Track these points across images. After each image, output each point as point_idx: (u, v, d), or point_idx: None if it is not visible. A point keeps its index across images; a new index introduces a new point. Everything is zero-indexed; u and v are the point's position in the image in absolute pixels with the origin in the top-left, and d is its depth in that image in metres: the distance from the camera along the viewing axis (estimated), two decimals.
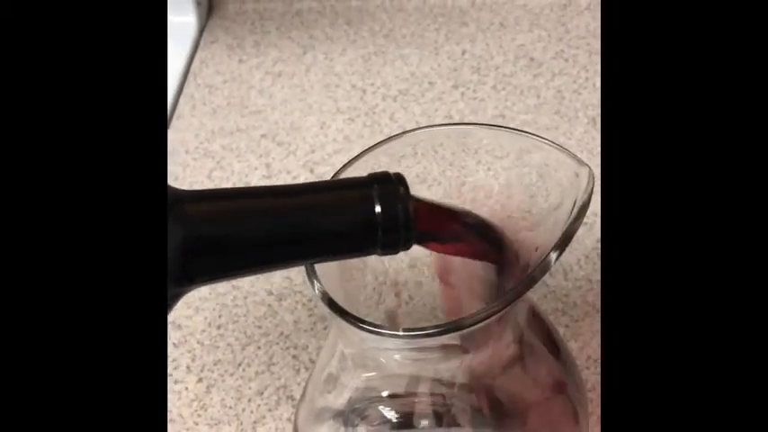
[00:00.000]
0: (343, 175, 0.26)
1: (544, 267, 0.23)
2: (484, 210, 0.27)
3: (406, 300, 0.35)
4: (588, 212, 0.47)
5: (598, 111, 0.53)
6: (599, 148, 0.50)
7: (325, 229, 0.23)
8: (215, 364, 0.44)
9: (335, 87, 0.57)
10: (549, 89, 0.54)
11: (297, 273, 0.47)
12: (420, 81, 0.56)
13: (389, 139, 0.28)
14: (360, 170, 0.27)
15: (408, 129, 0.28)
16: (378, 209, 0.23)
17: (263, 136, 0.55)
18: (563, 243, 0.23)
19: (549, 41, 0.57)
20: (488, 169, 0.27)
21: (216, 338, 0.45)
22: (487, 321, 0.23)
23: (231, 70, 0.60)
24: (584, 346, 0.42)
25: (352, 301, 0.31)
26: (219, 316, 0.46)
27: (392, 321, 0.34)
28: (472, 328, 0.23)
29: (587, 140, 0.51)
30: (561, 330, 0.42)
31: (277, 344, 0.44)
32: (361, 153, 0.27)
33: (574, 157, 0.24)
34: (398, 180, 0.23)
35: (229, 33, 0.62)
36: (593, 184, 0.23)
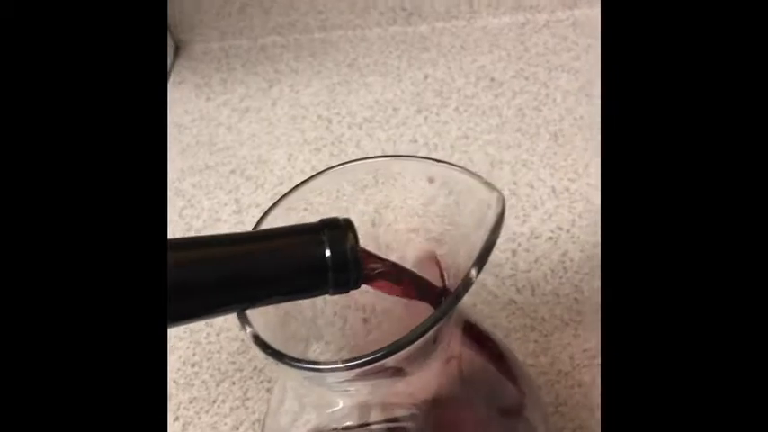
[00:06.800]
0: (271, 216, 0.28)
1: (466, 284, 0.23)
2: (407, 231, 0.28)
3: (374, 326, 0.35)
4: (553, 227, 0.48)
5: (559, 126, 0.53)
6: (562, 163, 0.51)
7: (281, 272, 0.25)
8: (190, 402, 0.44)
9: (302, 119, 0.58)
10: (511, 108, 0.55)
11: None
12: (384, 108, 0.57)
13: (309, 179, 0.29)
14: (284, 208, 0.28)
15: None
16: (328, 252, 0.25)
17: (231, 172, 0.55)
18: (480, 259, 0.24)
19: (508, 61, 0.58)
20: (409, 196, 0.28)
21: (191, 376, 0.45)
22: (419, 342, 0.23)
23: (199, 109, 0.60)
24: (555, 360, 0.42)
25: (309, 327, 0.31)
26: (194, 354, 0.46)
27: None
28: (405, 350, 0.23)
29: (549, 156, 0.51)
30: (531, 346, 0.43)
31: (251, 378, 0.44)
32: (276, 202, 0.29)
33: (485, 182, 0.26)
34: (347, 225, 0.26)
35: (196, 73, 0.63)
36: (503, 206, 0.24)
